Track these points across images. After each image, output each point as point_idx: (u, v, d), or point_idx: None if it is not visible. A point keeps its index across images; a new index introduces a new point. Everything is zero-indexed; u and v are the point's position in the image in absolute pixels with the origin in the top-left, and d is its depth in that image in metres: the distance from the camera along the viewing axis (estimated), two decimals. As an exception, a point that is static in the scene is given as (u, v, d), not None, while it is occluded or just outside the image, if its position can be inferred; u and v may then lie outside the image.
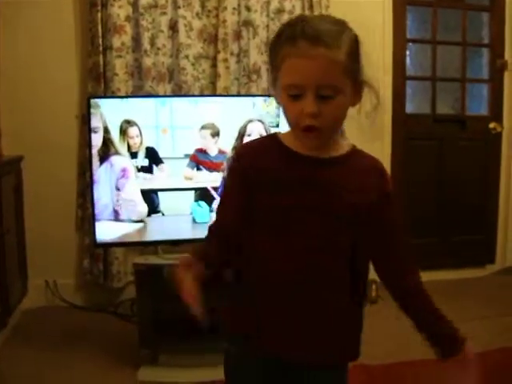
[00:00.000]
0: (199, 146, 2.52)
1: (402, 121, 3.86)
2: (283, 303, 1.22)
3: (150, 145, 2.49)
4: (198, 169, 2.52)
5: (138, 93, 3.22)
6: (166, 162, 2.50)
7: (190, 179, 2.53)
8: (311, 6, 3.39)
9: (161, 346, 2.55)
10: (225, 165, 2.51)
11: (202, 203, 2.54)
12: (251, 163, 1.24)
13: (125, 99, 2.73)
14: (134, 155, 2.48)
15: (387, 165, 3.77)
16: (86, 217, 3.25)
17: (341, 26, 1.17)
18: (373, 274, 3.22)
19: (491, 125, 4.04)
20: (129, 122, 2.45)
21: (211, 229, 1.32)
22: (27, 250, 3.24)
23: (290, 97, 1.14)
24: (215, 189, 2.55)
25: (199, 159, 2.51)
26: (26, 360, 2.63)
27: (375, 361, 2.62)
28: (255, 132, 2.56)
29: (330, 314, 1.24)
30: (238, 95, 3.28)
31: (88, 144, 2.54)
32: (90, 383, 2.46)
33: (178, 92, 3.26)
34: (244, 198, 1.23)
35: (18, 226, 3.11)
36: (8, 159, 3.04)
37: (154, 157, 2.48)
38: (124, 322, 3.11)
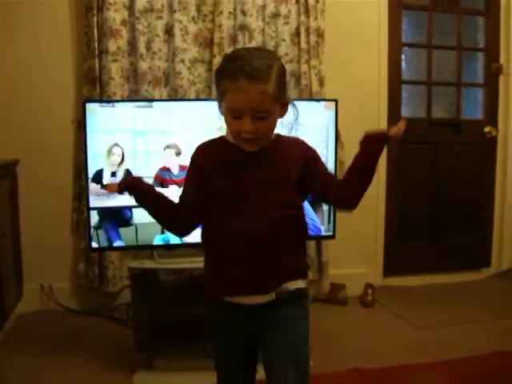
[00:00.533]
0: (163, 165, 2.58)
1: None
2: (240, 257, 1.51)
3: (128, 167, 2.57)
4: (163, 186, 2.58)
5: (133, 97, 3.22)
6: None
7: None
8: (307, 11, 3.39)
9: (156, 350, 2.55)
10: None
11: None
12: (203, 155, 1.60)
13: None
14: (113, 174, 2.55)
15: (382, 168, 3.78)
16: (82, 221, 3.24)
17: (271, 59, 1.49)
18: (370, 279, 3.22)
19: (486, 129, 4.05)
20: (116, 144, 2.54)
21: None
22: (22, 253, 3.24)
23: (232, 117, 1.47)
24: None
25: (163, 178, 2.58)
26: (22, 364, 2.62)
27: (371, 364, 2.62)
28: None
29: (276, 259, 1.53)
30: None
31: (84, 148, 2.54)
32: (85, 387, 2.46)
33: (174, 96, 3.26)
34: (199, 181, 1.57)
35: (13, 229, 3.10)
36: (3, 163, 3.04)
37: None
38: (119, 327, 3.11)
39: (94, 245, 2.57)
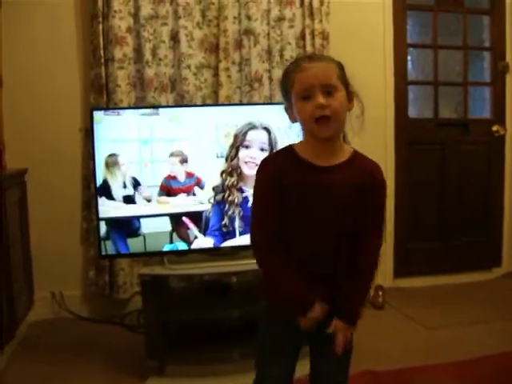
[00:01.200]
0: (168, 173, 2.59)
1: (404, 125, 3.86)
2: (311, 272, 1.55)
3: (133, 175, 2.58)
4: (170, 195, 2.60)
5: (140, 104, 3.23)
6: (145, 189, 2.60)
7: (167, 203, 2.60)
8: (311, 14, 3.40)
9: (168, 356, 2.55)
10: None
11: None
12: (277, 171, 1.54)
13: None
14: (124, 185, 2.57)
15: (391, 169, 3.78)
16: (91, 229, 3.25)
17: (329, 56, 1.61)
18: (380, 281, 3.22)
19: (494, 128, 4.04)
20: (114, 155, 2.54)
21: (263, 243, 1.60)
22: (33, 262, 3.25)
23: (302, 100, 1.48)
24: (189, 214, 2.62)
25: (169, 187, 2.59)
26: (34, 372, 2.63)
27: (382, 367, 2.61)
28: (256, 143, 2.55)
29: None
30: (241, 104, 3.29)
31: (92, 156, 2.55)
32: (97, 395, 2.46)
33: (181, 102, 3.26)
34: (277, 199, 1.53)
35: (23, 238, 3.11)
36: (12, 172, 3.05)
37: (135, 185, 2.58)
38: (130, 333, 3.10)
39: (104, 252, 2.58)
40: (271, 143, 2.55)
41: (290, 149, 1.59)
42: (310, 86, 1.46)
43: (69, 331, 3.17)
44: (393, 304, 3.55)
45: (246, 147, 2.54)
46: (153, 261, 2.61)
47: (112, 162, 2.53)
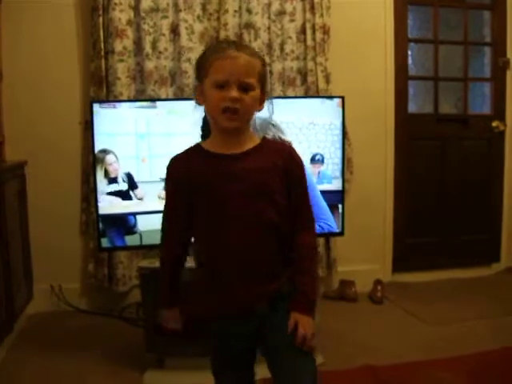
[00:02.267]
0: None
1: (404, 121, 3.86)
2: (228, 272, 1.50)
3: (128, 171, 2.55)
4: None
5: (140, 97, 3.22)
6: (143, 186, 2.57)
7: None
8: (312, 8, 3.39)
9: (167, 349, 2.55)
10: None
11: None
12: (178, 169, 1.55)
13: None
14: (112, 181, 2.53)
15: (390, 164, 3.79)
16: (90, 221, 3.26)
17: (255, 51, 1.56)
18: (379, 275, 3.22)
19: (494, 123, 4.04)
20: (104, 151, 2.52)
21: (161, 258, 1.70)
22: (32, 255, 3.25)
23: (216, 88, 1.43)
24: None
25: None
26: (32, 364, 2.63)
27: (381, 361, 2.62)
28: None
29: (261, 271, 1.51)
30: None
31: (91, 149, 2.54)
32: (96, 387, 2.46)
33: (181, 95, 3.26)
34: (180, 199, 1.54)
35: (22, 231, 3.11)
36: (11, 165, 3.05)
37: (130, 182, 2.55)
38: (129, 326, 3.10)
39: (104, 244, 2.57)
40: (255, 128, 2.53)
41: (196, 145, 1.58)
42: (228, 78, 1.41)
43: (68, 324, 3.18)
44: (392, 299, 3.56)
45: None
46: (152, 254, 2.60)
47: (98, 159, 2.52)
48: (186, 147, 1.59)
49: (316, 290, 1.59)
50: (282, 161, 1.51)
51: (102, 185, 2.53)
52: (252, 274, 1.49)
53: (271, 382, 1.53)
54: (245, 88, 1.43)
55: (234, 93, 1.41)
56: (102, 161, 2.52)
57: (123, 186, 2.55)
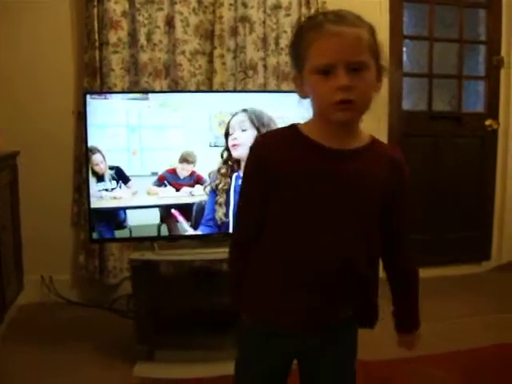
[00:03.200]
0: (171, 167, 2.54)
1: (398, 118, 3.86)
2: (304, 288, 1.26)
3: (117, 164, 2.51)
4: (161, 186, 2.56)
5: (134, 88, 3.21)
6: (133, 180, 2.53)
7: (155, 194, 2.55)
8: (308, 2, 3.38)
9: (157, 341, 2.55)
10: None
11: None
12: (268, 153, 1.24)
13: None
14: (100, 179, 2.51)
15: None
16: (82, 212, 3.25)
17: (358, 15, 1.23)
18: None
19: (487, 122, 4.05)
20: (91, 150, 2.49)
21: (236, 239, 1.40)
22: (23, 245, 3.24)
23: (320, 76, 1.16)
24: (179, 206, 2.57)
25: (168, 180, 2.54)
26: (22, 356, 2.62)
27: (373, 357, 2.61)
28: (236, 126, 2.50)
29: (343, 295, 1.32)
30: (234, 91, 3.27)
31: (84, 139, 2.53)
32: (86, 379, 2.45)
33: (175, 88, 3.25)
34: (262, 189, 1.26)
35: (13, 221, 3.10)
36: (3, 155, 3.03)
37: (120, 176, 2.52)
38: (120, 318, 3.10)
39: (95, 236, 2.57)
40: (252, 120, 2.51)
41: (292, 127, 1.28)
42: (334, 61, 1.14)
43: (58, 315, 3.17)
44: (383, 295, 3.55)
45: (231, 134, 2.50)
46: (143, 246, 2.61)
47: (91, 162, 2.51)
48: (279, 128, 1.35)
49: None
50: (393, 173, 1.30)
51: (91, 183, 2.51)
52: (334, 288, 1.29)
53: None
54: (355, 69, 1.15)
55: (344, 79, 1.14)
56: (89, 160, 2.50)
57: (111, 184, 2.52)
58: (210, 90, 3.25)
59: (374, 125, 3.71)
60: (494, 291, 3.65)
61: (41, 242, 3.25)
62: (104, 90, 3.13)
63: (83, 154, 2.77)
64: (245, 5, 3.30)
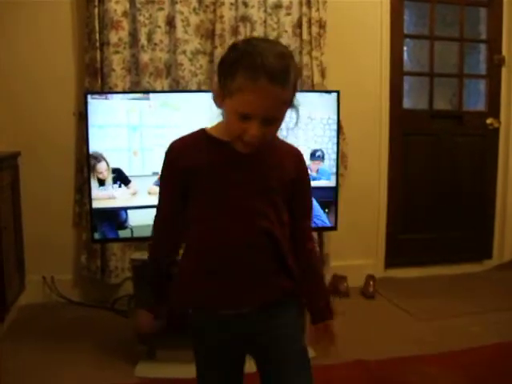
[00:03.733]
0: None
1: (399, 116, 3.86)
2: (223, 267, 1.39)
3: (118, 165, 2.51)
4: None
5: (135, 88, 3.21)
6: (134, 180, 2.53)
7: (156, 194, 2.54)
8: (309, 2, 3.38)
9: (158, 341, 2.55)
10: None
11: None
12: (179, 155, 1.41)
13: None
14: (102, 183, 2.51)
15: (384, 160, 3.80)
16: (84, 213, 3.25)
17: (288, 59, 1.29)
18: (371, 270, 3.20)
19: (488, 120, 4.05)
20: (96, 158, 2.49)
21: (156, 225, 1.56)
22: (25, 246, 3.25)
23: (238, 116, 1.28)
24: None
25: None
26: (24, 356, 2.63)
27: (373, 356, 2.62)
28: None
29: (258, 272, 1.40)
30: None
31: (86, 139, 2.53)
32: (87, 378, 2.45)
33: (176, 87, 3.25)
34: (177, 187, 1.43)
35: (15, 222, 3.11)
36: (5, 155, 3.03)
37: (121, 178, 2.52)
38: (121, 318, 3.11)
39: (96, 236, 2.57)
40: None
41: (201, 130, 1.45)
42: (254, 114, 1.26)
43: (60, 315, 3.17)
44: (384, 294, 3.56)
45: None
46: (144, 246, 2.60)
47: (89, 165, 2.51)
48: (190, 132, 1.47)
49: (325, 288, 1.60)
50: (293, 164, 1.45)
51: (94, 188, 2.51)
52: (255, 270, 1.39)
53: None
54: (269, 120, 1.29)
55: (257, 131, 1.28)
56: (93, 168, 2.50)
57: (112, 188, 2.52)
58: (211, 90, 3.25)
59: (375, 123, 3.74)
60: (496, 290, 3.65)
61: (42, 243, 3.25)
62: (105, 90, 3.13)
63: (84, 155, 2.77)
64: (245, 4, 3.30)
